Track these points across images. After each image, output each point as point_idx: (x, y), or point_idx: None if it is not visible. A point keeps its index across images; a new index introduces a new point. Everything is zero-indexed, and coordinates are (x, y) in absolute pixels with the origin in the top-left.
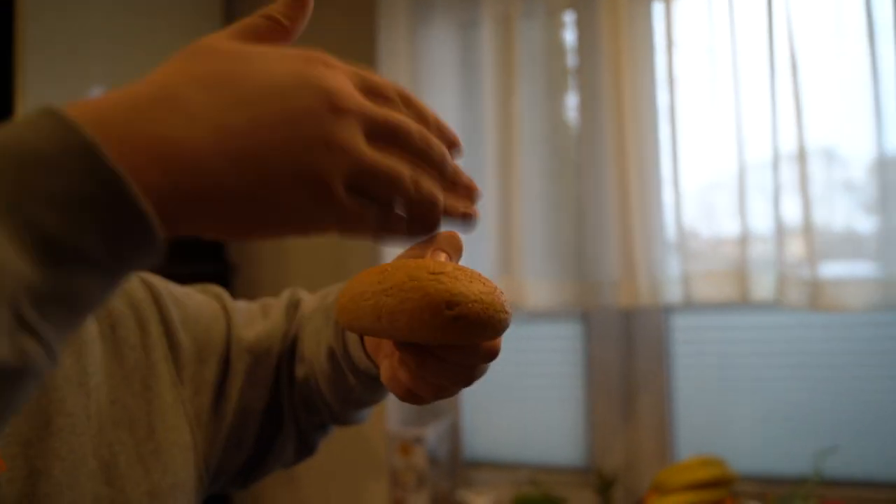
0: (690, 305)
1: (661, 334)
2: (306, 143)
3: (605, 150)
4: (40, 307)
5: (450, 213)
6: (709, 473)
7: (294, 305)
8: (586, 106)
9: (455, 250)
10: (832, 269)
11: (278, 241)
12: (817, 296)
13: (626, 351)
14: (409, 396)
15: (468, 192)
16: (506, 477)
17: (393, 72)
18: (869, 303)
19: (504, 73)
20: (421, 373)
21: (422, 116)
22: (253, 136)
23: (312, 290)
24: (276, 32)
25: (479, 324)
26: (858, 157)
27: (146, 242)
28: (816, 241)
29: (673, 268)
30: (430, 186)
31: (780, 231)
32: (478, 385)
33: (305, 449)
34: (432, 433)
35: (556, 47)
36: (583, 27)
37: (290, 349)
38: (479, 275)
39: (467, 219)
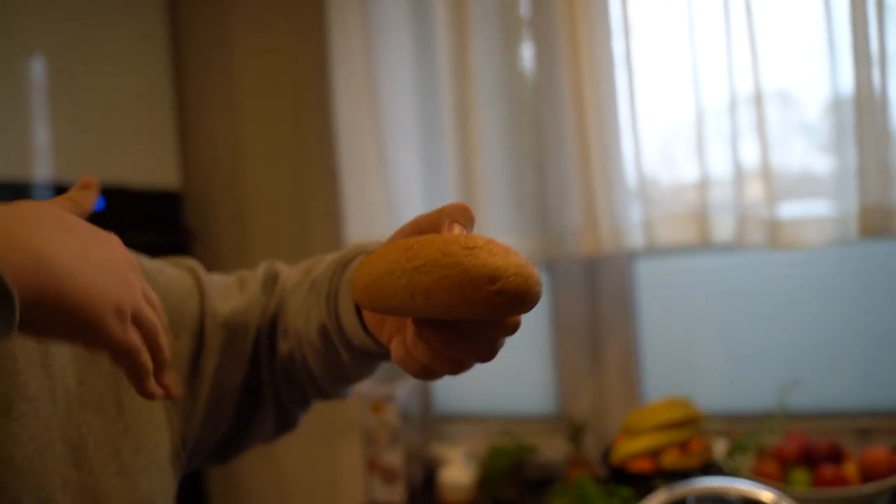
0: (653, 250)
1: (624, 280)
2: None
3: (562, 100)
4: None
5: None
6: (676, 414)
7: (272, 279)
8: (542, 56)
9: (468, 221)
10: (790, 210)
11: (237, 207)
12: (776, 235)
13: (592, 299)
14: (423, 373)
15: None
16: (478, 429)
17: (344, 28)
18: (826, 240)
19: (458, 26)
20: (445, 350)
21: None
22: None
23: (271, 257)
24: (77, 210)
25: (519, 297)
26: (813, 98)
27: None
28: (774, 183)
29: (634, 214)
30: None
31: (739, 174)
32: None
33: (286, 423)
34: (403, 390)
35: None
36: None
37: (270, 323)
38: (509, 247)
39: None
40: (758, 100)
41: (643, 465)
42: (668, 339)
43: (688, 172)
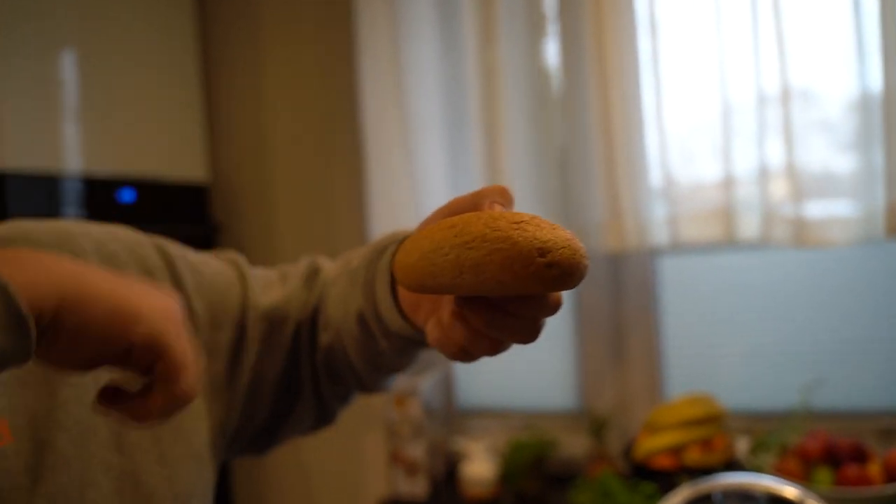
0: (677, 247)
1: (648, 277)
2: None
3: (588, 95)
4: None
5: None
6: (699, 411)
7: (314, 273)
8: (569, 52)
9: (508, 202)
10: (814, 208)
11: (264, 200)
12: (802, 233)
13: (615, 295)
14: (461, 355)
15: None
16: (500, 424)
17: (371, 23)
18: (852, 238)
19: (484, 22)
20: (486, 330)
21: None
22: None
23: (296, 250)
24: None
25: (569, 270)
26: (835, 96)
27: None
28: (798, 181)
29: (659, 211)
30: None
31: (764, 172)
32: None
33: (324, 418)
34: (426, 384)
35: None
36: None
37: (311, 316)
38: (555, 223)
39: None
40: (784, 97)
41: (665, 462)
42: (691, 335)
43: (712, 169)
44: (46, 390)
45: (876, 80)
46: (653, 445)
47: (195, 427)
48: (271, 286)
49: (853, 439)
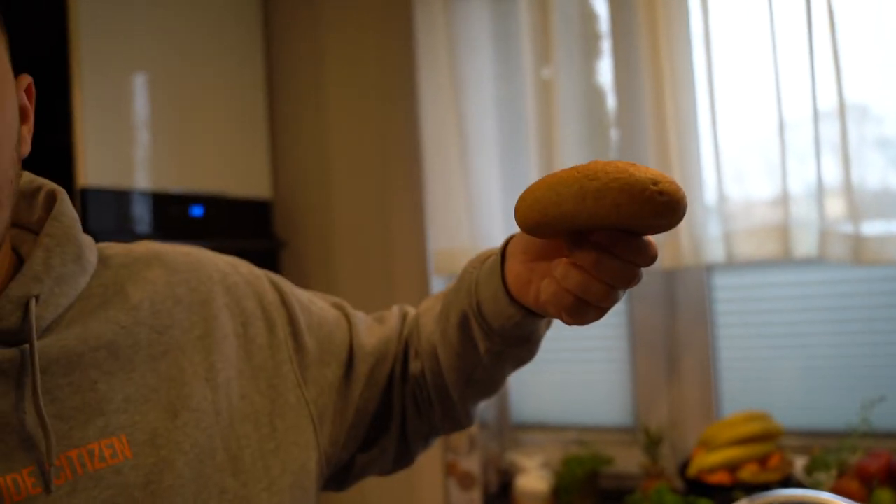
0: (733, 264)
1: (703, 293)
2: None
3: (643, 111)
4: None
5: None
6: (755, 428)
7: (405, 313)
8: (623, 70)
9: None
10: (871, 226)
11: (324, 216)
12: (860, 250)
13: (670, 311)
14: (575, 306)
15: None
16: (554, 438)
17: (430, 44)
18: None
19: (540, 41)
20: (596, 271)
21: None
22: None
23: (355, 265)
24: None
25: (676, 199)
26: (892, 112)
27: None
28: (855, 198)
29: (714, 227)
30: None
31: (820, 189)
32: None
33: (405, 456)
34: None
35: (591, 11)
36: None
37: (404, 348)
38: None
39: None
40: (840, 113)
41: (721, 479)
42: (746, 352)
43: (767, 186)
44: (170, 411)
45: None
46: (708, 462)
47: (303, 458)
48: (372, 327)
49: None
